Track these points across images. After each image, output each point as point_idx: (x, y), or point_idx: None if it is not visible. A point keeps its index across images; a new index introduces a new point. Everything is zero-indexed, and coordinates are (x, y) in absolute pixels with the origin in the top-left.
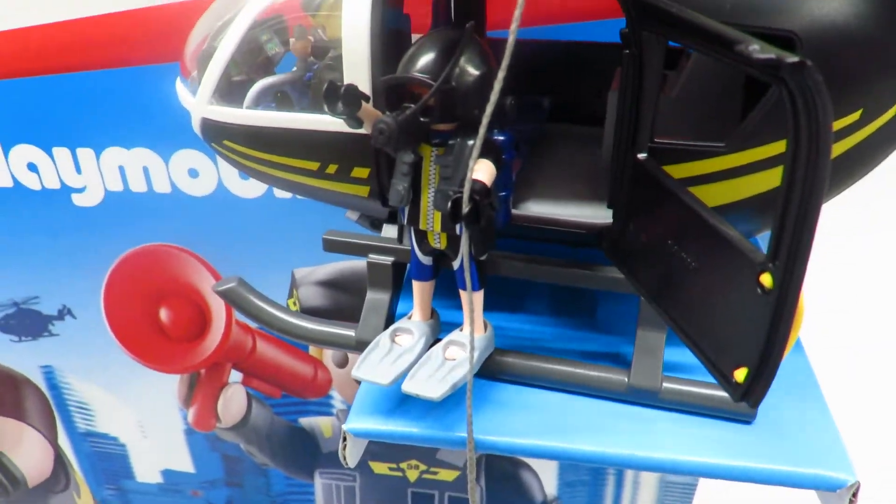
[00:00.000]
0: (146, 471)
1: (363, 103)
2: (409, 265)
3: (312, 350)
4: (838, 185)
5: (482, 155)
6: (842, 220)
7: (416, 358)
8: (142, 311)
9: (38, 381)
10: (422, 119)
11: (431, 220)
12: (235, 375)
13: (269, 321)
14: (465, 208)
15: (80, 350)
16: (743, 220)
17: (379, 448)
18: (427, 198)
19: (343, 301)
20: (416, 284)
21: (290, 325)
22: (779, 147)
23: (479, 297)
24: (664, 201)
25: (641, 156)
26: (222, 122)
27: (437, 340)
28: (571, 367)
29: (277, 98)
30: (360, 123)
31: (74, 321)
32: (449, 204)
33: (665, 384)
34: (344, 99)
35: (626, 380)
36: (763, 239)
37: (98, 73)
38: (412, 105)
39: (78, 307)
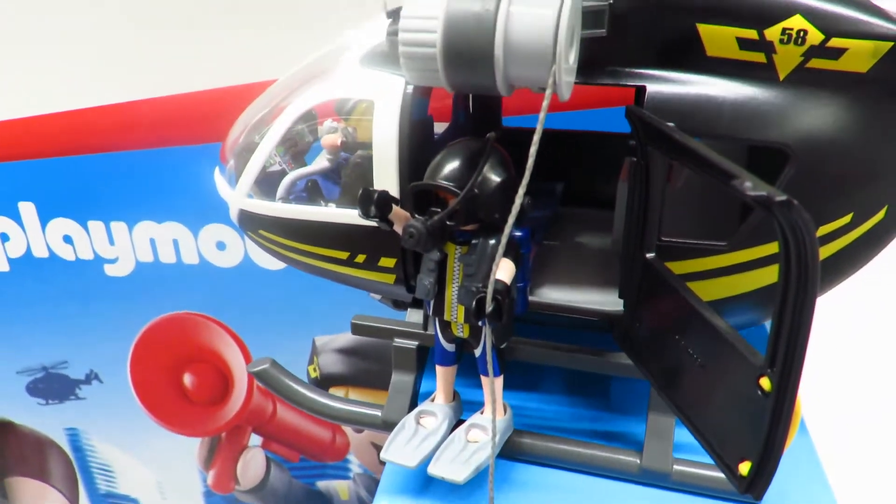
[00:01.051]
0: None
1: (393, 206)
2: (432, 350)
3: None
4: (830, 282)
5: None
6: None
7: (440, 440)
8: (166, 376)
9: (63, 443)
10: (448, 223)
11: (455, 312)
12: (255, 439)
13: (300, 401)
14: (489, 307)
15: (104, 413)
16: (744, 311)
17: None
18: (451, 291)
19: (361, 367)
20: (439, 369)
21: (319, 405)
22: (763, 250)
23: (499, 381)
24: (671, 298)
25: (649, 255)
26: (259, 214)
27: (460, 421)
28: (586, 448)
29: (308, 187)
30: (390, 225)
31: (101, 385)
32: (474, 303)
33: (676, 466)
34: (377, 204)
35: (639, 462)
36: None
37: (134, 153)
38: (438, 209)
39: (105, 372)
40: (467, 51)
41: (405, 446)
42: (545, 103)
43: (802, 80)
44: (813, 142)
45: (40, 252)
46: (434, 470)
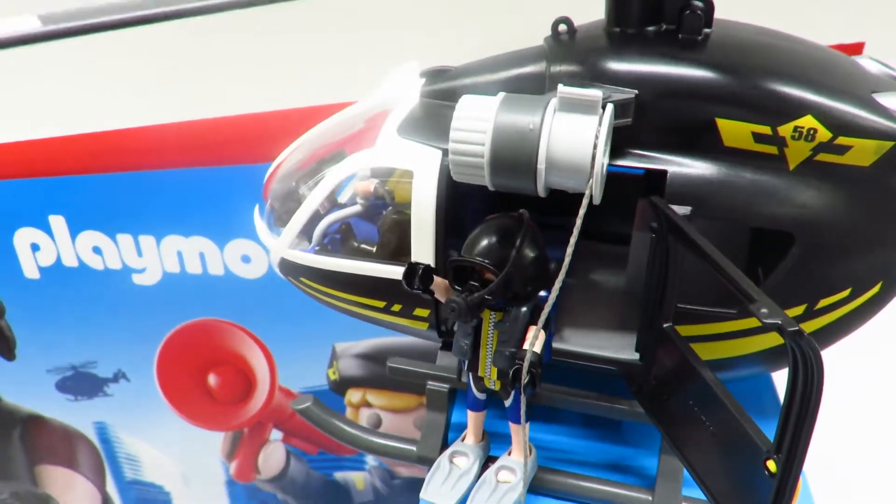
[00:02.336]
0: None
1: (434, 277)
2: (466, 394)
3: (348, 412)
4: (827, 344)
5: (534, 320)
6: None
7: (473, 479)
8: (192, 377)
9: (91, 435)
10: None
11: (489, 370)
12: (276, 434)
13: (342, 436)
14: (525, 380)
15: (131, 409)
16: (752, 366)
17: (408, 499)
18: (486, 352)
19: (378, 372)
20: (471, 414)
21: (358, 440)
22: None
23: (525, 428)
24: (687, 368)
25: (666, 325)
26: (301, 265)
27: (489, 458)
28: (603, 485)
29: (341, 229)
30: (431, 294)
31: (128, 384)
32: (510, 373)
33: None
34: (421, 278)
35: (650, 499)
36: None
37: (162, 172)
38: (476, 284)
39: (132, 371)
40: (512, 162)
41: (441, 486)
42: (582, 211)
43: (810, 172)
44: (817, 226)
45: (70, 262)
46: None
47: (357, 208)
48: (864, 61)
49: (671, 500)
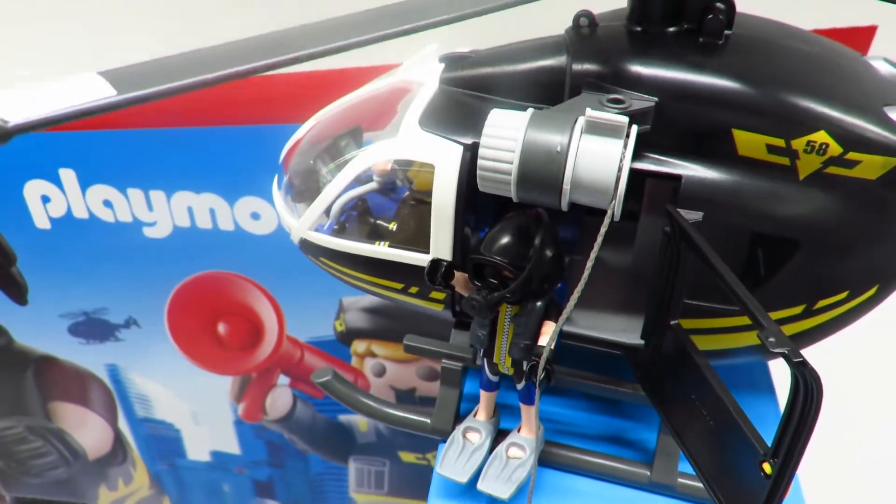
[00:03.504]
0: (197, 451)
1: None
2: (480, 375)
3: (354, 361)
4: (819, 340)
5: (548, 313)
6: None
7: (485, 454)
8: (201, 325)
9: (103, 376)
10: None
11: (504, 357)
12: (283, 379)
13: (360, 407)
14: (541, 375)
15: (142, 353)
16: (750, 355)
17: (407, 440)
18: (501, 341)
19: (384, 325)
20: (483, 394)
21: (377, 411)
22: (785, 313)
23: (536, 406)
24: (691, 364)
25: (673, 322)
26: (322, 246)
27: (500, 431)
28: (604, 460)
29: (358, 206)
30: (452, 289)
31: (139, 330)
32: (526, 369)
33: (680, 480)
34: (443, 276)
35: (649, 474)
36: None
37: (173, 129)
38: (494, 281)
39: (143, 319)
40: (538, 180)
41: (456, 462)
42: (603, 229)
43: (818, 183)
44: (821, 233)
45: (80, 213)
46: (482, 487)
47: (374, 185)
48: (878, 63)
49: (668, 475)
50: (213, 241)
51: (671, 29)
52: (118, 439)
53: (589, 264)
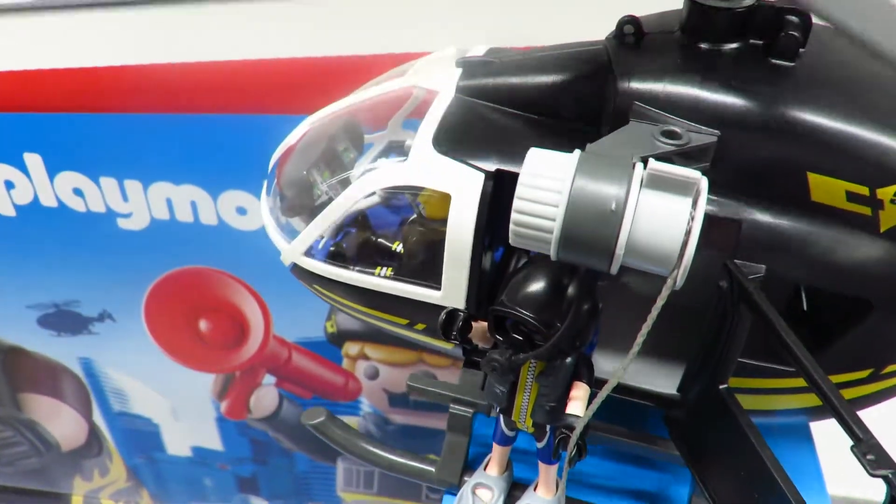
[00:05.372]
0: (177, 445)
1: (472, 325)
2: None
3: (346, 363)
4: (879, 402)
5: (577, 372)
6: None
7: None
8: (182, 322)
9: (77, 369)
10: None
11: (524, 417)
12: (269, 378)
13: (358, 453)
14: (572, 451)
15: (118, 347)
16: (797, 415)
17: (397, 442)
18: (522, 397)
19: (375, 327)
20: (497, 448)
21: (376, 458)
22: (848, 377)
23: (554, 465)
24: (738, 433)
25: (722, 387)
26: (312, 273)
27: (514, 484)
28: None
29: (357, 221)
30: (470, 343)
31: (114, 324)
32: (555, 439)
33: None
34: (459, 330)
35: None
36: None
37: (150, 116)
38: (518, 336)
39: (118, 313)
40: (586, 242)
41: None
42: (660, 302)
43: None
44: (887, 298)
45: (48, 202)
46: None
47: (375, 199)
48: None
49: None
50: (195, 236)
51: (734, 45)
52: (93, 432)
53: (639, 339)
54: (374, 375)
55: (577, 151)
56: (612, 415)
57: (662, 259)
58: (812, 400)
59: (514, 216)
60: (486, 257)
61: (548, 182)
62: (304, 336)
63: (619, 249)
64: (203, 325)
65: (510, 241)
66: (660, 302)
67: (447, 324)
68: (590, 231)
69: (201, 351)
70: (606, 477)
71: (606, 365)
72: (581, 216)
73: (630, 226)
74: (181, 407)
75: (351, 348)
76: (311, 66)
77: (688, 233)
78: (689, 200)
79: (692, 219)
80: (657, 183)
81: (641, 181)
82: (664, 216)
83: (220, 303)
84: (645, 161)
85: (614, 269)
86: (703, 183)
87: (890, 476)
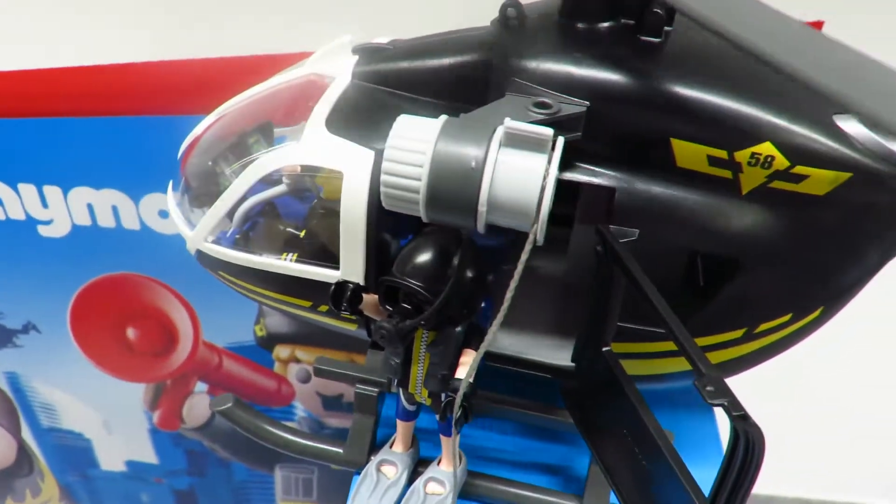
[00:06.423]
0: (110, 460)
1: (363, 297)
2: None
3: (277, 367)
4: (762, 361)
5: (468, 340)
6: None
7: (401, 491)
8: (109, 330)
9: (2, 384)
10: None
11: (420, 387)
12: (201, 385)
13: (267, 437)
14: (457, 413)
15: (45, 360)
16: (684, 379)
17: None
18: (417, 368)
19: (304, 329)
20: (400, 423)
21: (284, 441)
22: (724, 336)
23: (456, 438)
24: (623, 397)
25: (605, 349)
26: (217, 258)
27: (419, 461)
28: (532, 492)
29: (266, 211)
30: (361, 314)
31: (39, 335)
32: (442, 405)
33: None
34: (349, 301)
35: None
36: None
37: (67, 119)
38: (407, 305)
39: (43, 324)
40: (451, 200)
41: (369, 499)
42: (524, 256)
43: (762, 198)
44: (763, 252)
45: None
46: None
47: (283, 188)
48: None
49: None
50: (118, 242)
51: (606, 24)
52: (22, 450)
53: (509, 294)
54: (306, 379)
55: (444, 117)
56: (515, 389)
57: (522, 213)
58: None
59: (383, 178)
60: (390, 238)
61: (413, 144)
62: (235, 341)
63: (482, 206)
64: (131, 333)
65: (383, 203)
66: (524, 256)
67: (336, 296)
68: (453, 189)
69: (130, 360)
70: (512, 451)
71: (507, 340)
72: (444, 175)
73: (490, 182)
74: (113, 420)
75: (282, 351)
76: (226, 65)
77: (543, 187)
78: (545, 157)
79: (547, 174)
80: (514, 141)
81: (500, 141)
82: (521, 172)
83: (147, 309)
84: None
85: (481, 227)
86: (560, 141)
87: (726, 404)
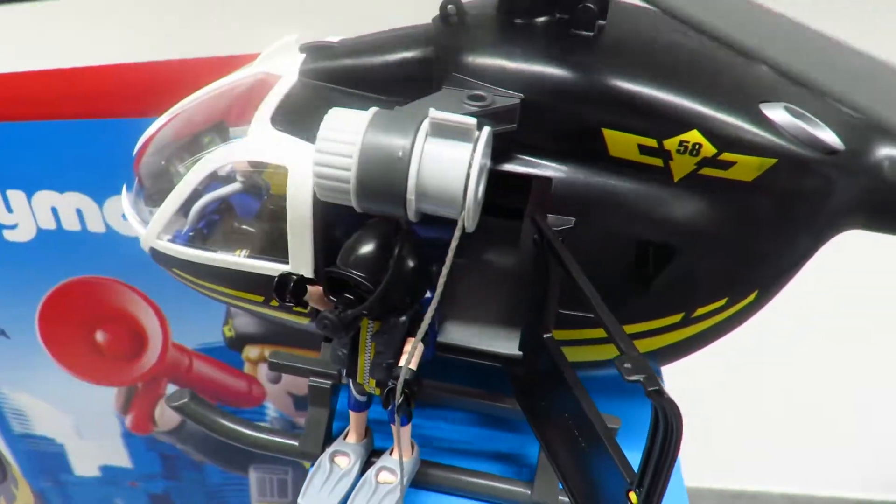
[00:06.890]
0: (84, 466)
1: (308, 288)
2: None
3: (247, 368)
4: (701, 347)
5: (413, 329)
6: None
7: (353, 480)
8: (78, 334)
9: None
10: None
11: (368, 377)
12: (172, 388)
13: (223, 431)
14: (399, 400)
15: (13, 365)
16: None
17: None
18: (364, 358)
19: (272, 329)
20: (352, 414)
21: (240, 435)
22: (663, 322)
23: (407, 428)
24: (565, 387)
25: (546, 336)
26: (170, 256)
27: (373, 451)
28: (484, 479)
29: (221, 209)
30: (306, 305)
31: (8, 340)
32: (384, 392)
33: (561, 498)
34: (292, 292)
35: (529, 493)
36: None
37: (29, 123)
38: (350, 296)
39: (11, 328)
40: (380, 189)
41: (321, 490)
42: (454, 243)
43: (693, 185)
44: (697, 238)
45: None
46: None
47: (237, 185)
48: None
49: (549, 495)
50: (84, 245)
51: (542, 19)
52: None
53: (441, 280)
54: (276, 379)
55: (374, 109)
56: (469, 380)
57: (449, 201)
58: (641, 346)
59: (315, 170)
60: (337, 230)
61: (343, 136)
62: (204, 342)
63: (410, 194)
64: (100, 336)
65: (318, 195)
66: (454, 243)
67: (280, 287)
68: (382, 179)
69: (101, 363)
70: (465, 440)
71: (458, 331)
72: (373, 166)
73: (417, 171)
74: (85, 424)
75: (251, 352)
76: (185, 67)
77: (468, 175)
78: (469, 146)
79: (472, 162)
80: (439, 131)
81: (427, 132)
82: (446, 161)
83: (115, 312)
84: None
85: (412, 216)
86: (485, 130)
87: (641, 380)
